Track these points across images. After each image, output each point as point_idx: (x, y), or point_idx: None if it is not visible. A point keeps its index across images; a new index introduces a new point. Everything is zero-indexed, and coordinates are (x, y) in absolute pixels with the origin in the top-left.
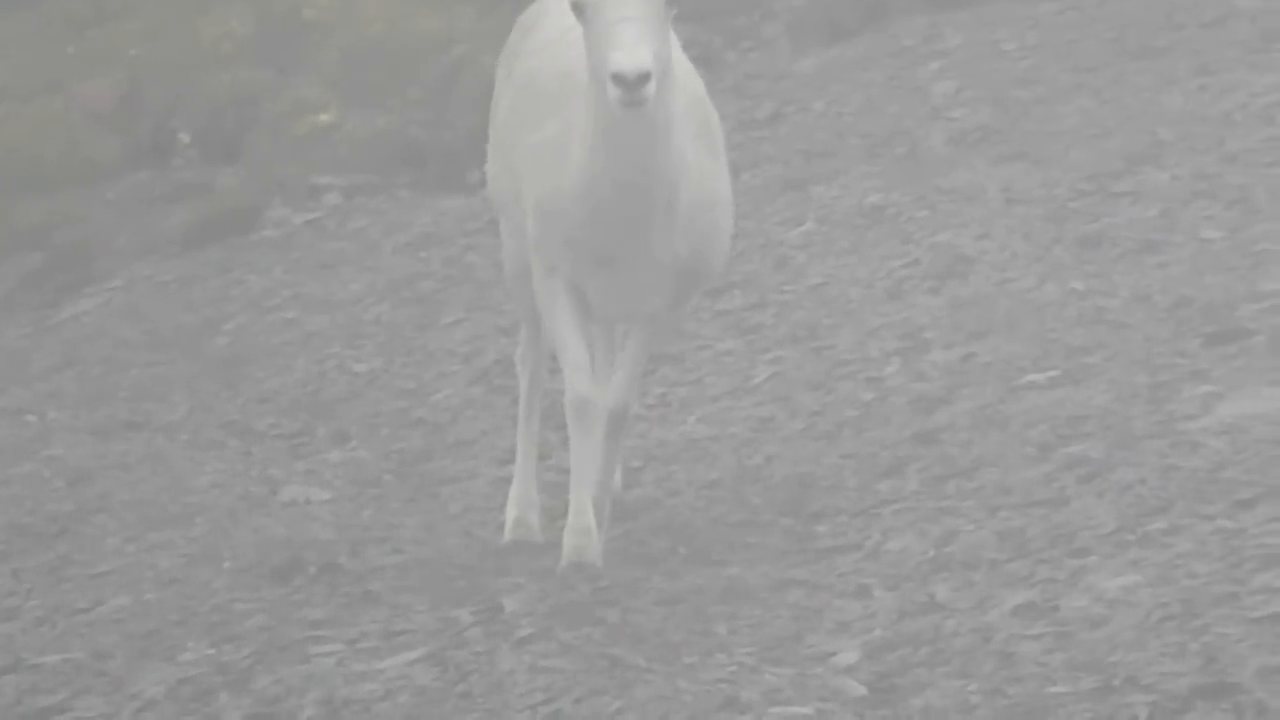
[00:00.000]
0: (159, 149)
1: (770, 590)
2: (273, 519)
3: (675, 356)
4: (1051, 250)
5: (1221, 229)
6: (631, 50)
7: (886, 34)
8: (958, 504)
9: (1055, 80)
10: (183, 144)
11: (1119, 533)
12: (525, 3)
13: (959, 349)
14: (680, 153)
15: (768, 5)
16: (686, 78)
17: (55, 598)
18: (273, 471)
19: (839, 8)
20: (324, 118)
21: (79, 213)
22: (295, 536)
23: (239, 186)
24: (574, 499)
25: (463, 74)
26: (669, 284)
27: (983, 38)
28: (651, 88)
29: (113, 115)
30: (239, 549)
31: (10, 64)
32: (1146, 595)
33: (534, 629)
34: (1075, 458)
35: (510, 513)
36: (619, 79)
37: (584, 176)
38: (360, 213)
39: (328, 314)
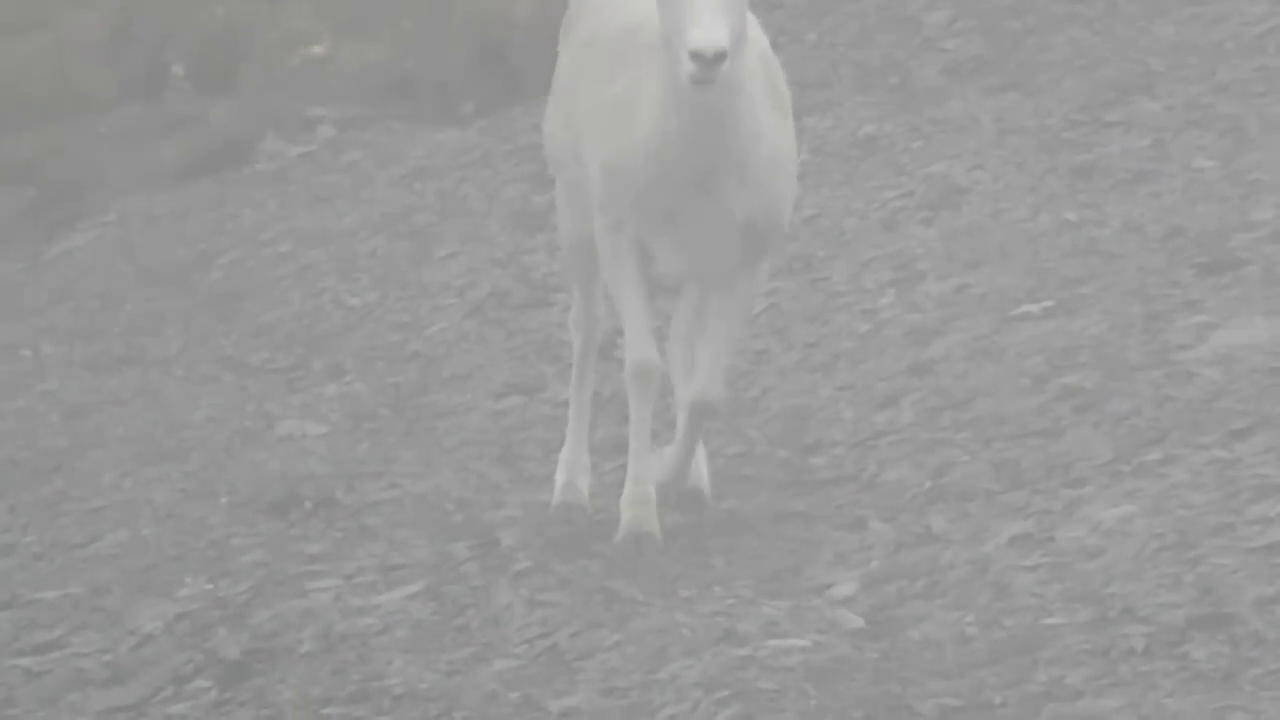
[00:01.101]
0: (151, 82)
1: (767, 523)
2: (269, 453)
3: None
4: (1044, 180)
5: (1214, 159)
6: (709, 27)
7: None
8: (953, 435)
9: (1047, 10)
10: (175, 77)
11: (1114, 463)
12: None
13: (953, 280)
14: (753, 113)
15: None
16: (754, 33)
17: (52, 533)
18: (268, 406)
19: None
20: (317, 49)
21: (71, 147)
22: (291, 471)
23: (232, 119)
24: (632, 467)
25: (455, 5)
26: (737, 242)
27: None
28: (726, 66)
29: (104, 48)
30: (235, 484)
31: None
32: (1142, 526)
33: (530, 563)
34: (1070, 388)
35: (560, 477)
36: (696, 56)
37: (654, 136)
38: (354, 145)
39: (322, 247)
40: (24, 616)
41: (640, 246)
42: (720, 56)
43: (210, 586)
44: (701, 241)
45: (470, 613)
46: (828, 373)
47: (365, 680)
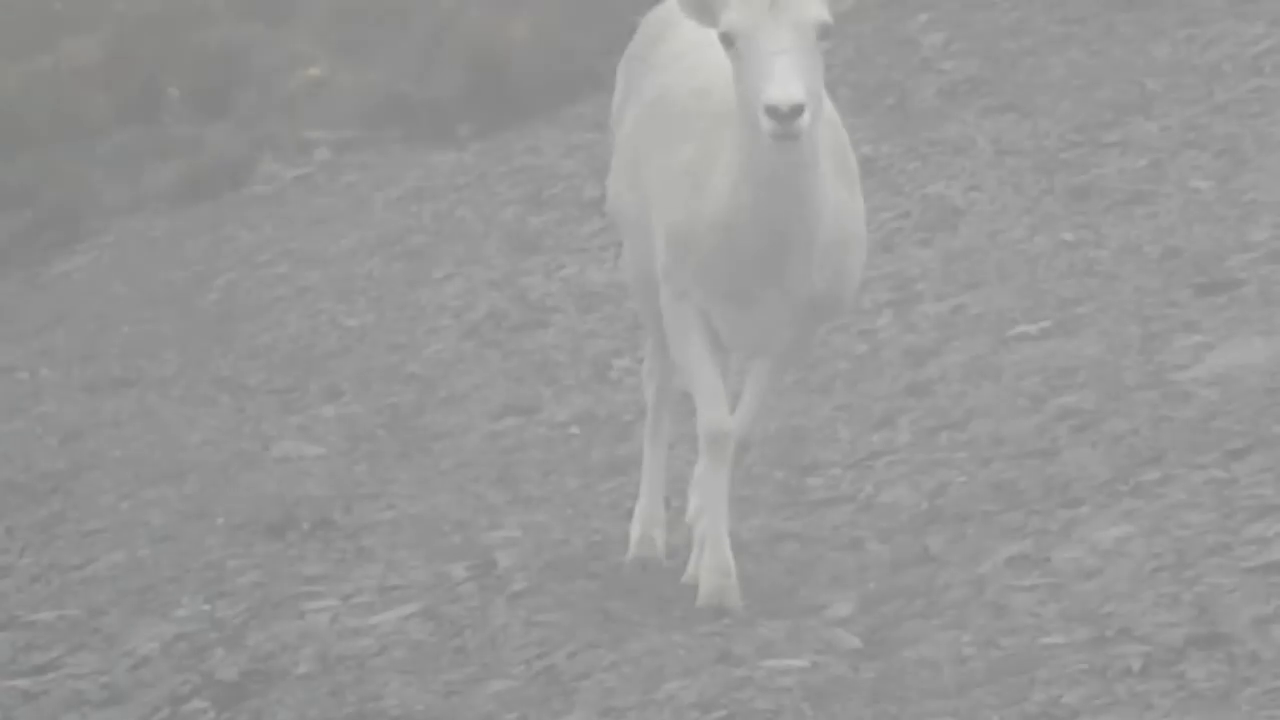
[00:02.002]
0: (148, 105)
1: (764, 543)
2: (266, 475)
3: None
4: (1041, 201)
5: (1210, 179)
6: (785, 83)
7: None
8: (950, 455)
9: (1044, 31)
10: (172, 100)
11: (1111, 483)
12: None
13: (951, 300)
14: (824, 188)
15: None
16: (827, 111)
17: (49, 554)
18: (265, 427)
19: None
20: (313, 72)
21: (68, 170)
22: (288, 492)
23: (228, 142)
24: (711, 535)
25: (452, 28)
26: (799, 319)
27: None
28: (805, 120)
29: (101, 72)
30: (232, 505)
31: None
32: (1139, 546)
33: (527, 583)
34: (1067, 408)
35: (635, 530)
36: (772, 111)
37: (724, 207)
38: (350, 167)
39: (319, 269)
40: (21, 638)
41: (705, 313)
42: (797, 110)
43: (207, 608)
44: (764, 319)
45: (467, 633)
46: (825, 393)
47: (362, 701)
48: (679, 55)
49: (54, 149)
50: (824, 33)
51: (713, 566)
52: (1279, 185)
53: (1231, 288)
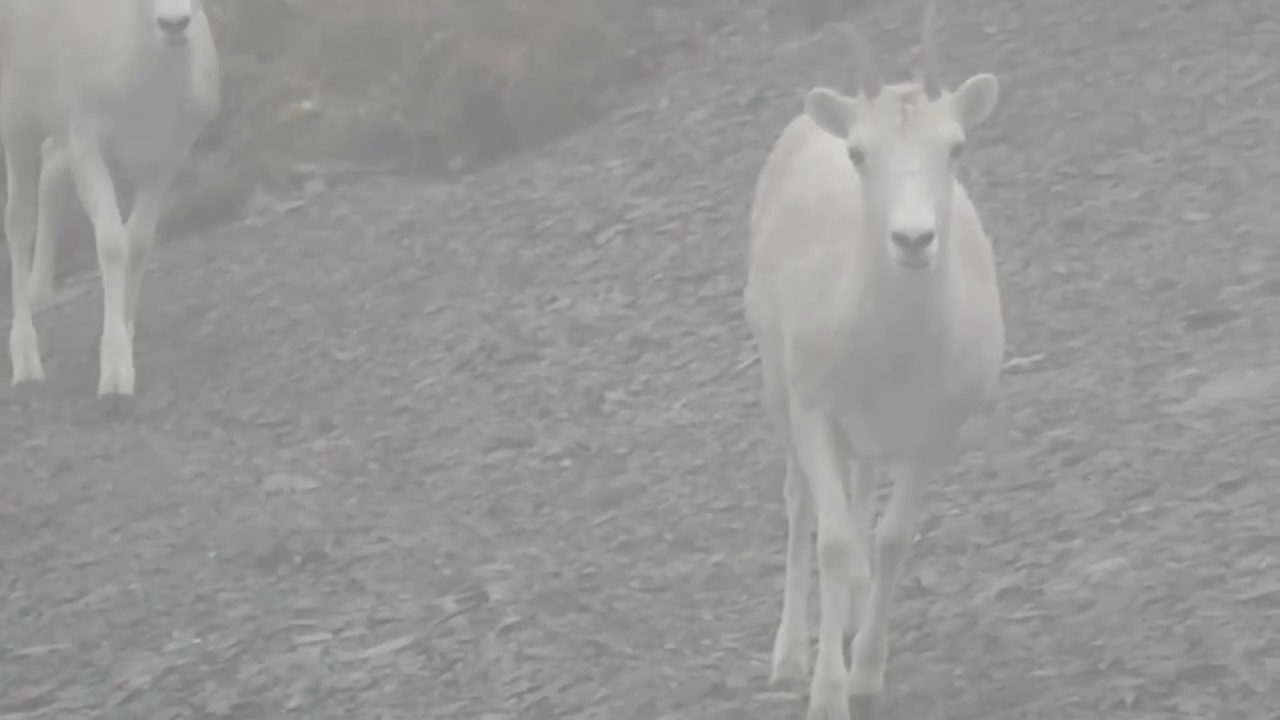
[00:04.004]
0: None
1: (756, 576)
2: (257, 508)
3: (660, 343)
4: (1034, 233)
5: (1204, 211)
6: (914, 209)
7: (868, 18)
8: (943, 488)
9: (1037, 63)
10: None
11: (1104, 516)
12: None
13: None
14: (954, 292)
15: None
16: (958, 202)
17: (40, 588)
18: (257, 460)
19: None
20: (306, 105)
21: (60, 202)
22: (280, 525)
23: (221, 175)
24: (824, 649)
25: (444, 61)
26: (934, 421)
27: (965, 21)
28: (934, 247)
29: None
30: (224, 538)
31: None
32: (1132, 578)
33: (519, 617)
34: (1060, 441)
35: (778, 652)
36: (900, 239)
37: (851, 315)
38: (343, 200)
39: (311, 302)
40: (12, 671)
41: (834, 423)
42: (926, 239)
43: (198, 641)
44: (898, 423)
45: (459, 667)
46: None
47: None
48: (811, 162)
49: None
50: (956, 151)
51: (824, 681)
52: (1273, 217)
53: (1225, 320)
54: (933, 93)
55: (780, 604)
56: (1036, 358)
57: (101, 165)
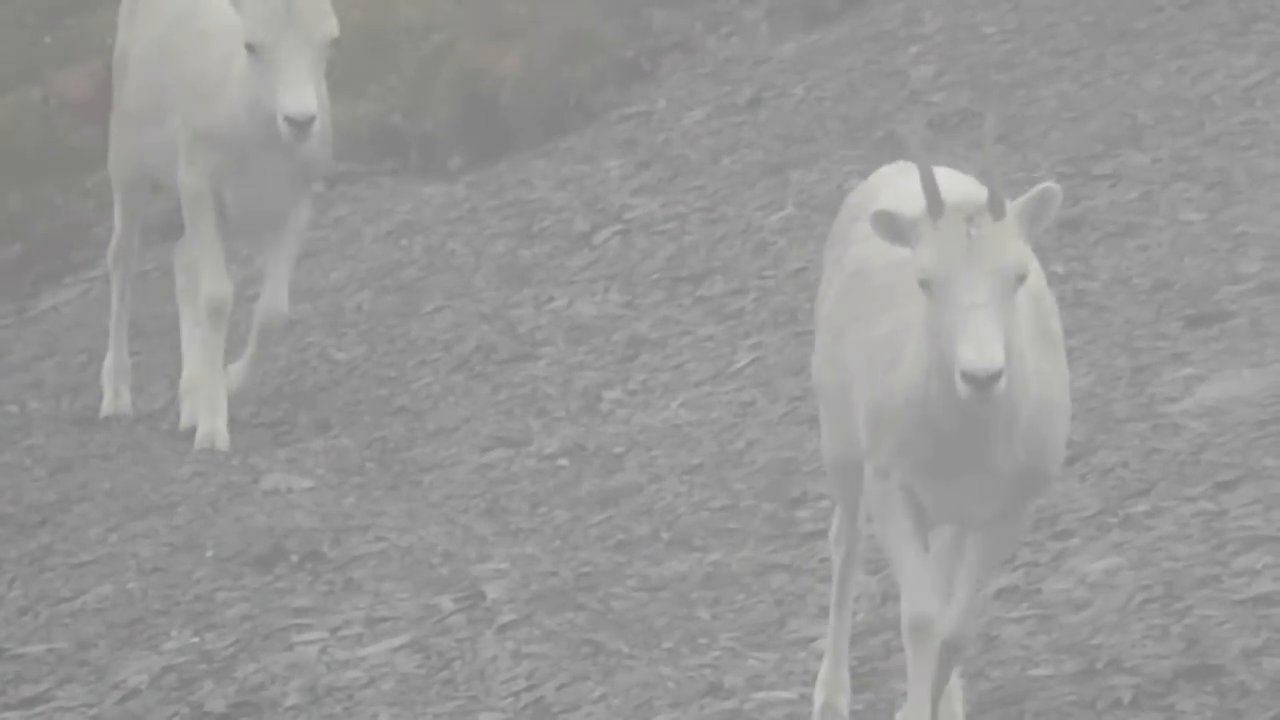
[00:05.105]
0: None
1: (752, 575)
2: (255, 507)
3: (657, 342)
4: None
5: (1201, 211)
6: (983, 347)
7: (866, 18)
8: None
9: (1035, 63)
10: None
11: (1101, 515)
12: None
13: None
14: (1023, 369)
15: None
16: (1030, 278)
17: (38, 587)
18: (254, 460)
19: None
20: None
21: (58, 202)
22: (277, 525)
23: None
24: None
25: (442, 61)
26: (1005, 491)
27: (962, 21)
28: (1003, 384)
29: (91, 104)
30: (221, 538)
31: None
32: (1129, 578)
33: (516, 615)
34: None
35: (819, 696)
36: (970, 379)
37: (918, 386)
38: (341, 200)
39: (309, 302)
40: (10, 671)
41: (910, 493)
42: (995, 377)
43: (196, 640)
44: (968, 492)
45: (456, 665)
46: (813, 425)
47: None
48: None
49: (44, 181)
50: (1024, 278)
51: None
52: (1270, 218)
53: (1222, 320)
54: (997, 212)
55: (779, 603)
56: None
57: (211, 211)
